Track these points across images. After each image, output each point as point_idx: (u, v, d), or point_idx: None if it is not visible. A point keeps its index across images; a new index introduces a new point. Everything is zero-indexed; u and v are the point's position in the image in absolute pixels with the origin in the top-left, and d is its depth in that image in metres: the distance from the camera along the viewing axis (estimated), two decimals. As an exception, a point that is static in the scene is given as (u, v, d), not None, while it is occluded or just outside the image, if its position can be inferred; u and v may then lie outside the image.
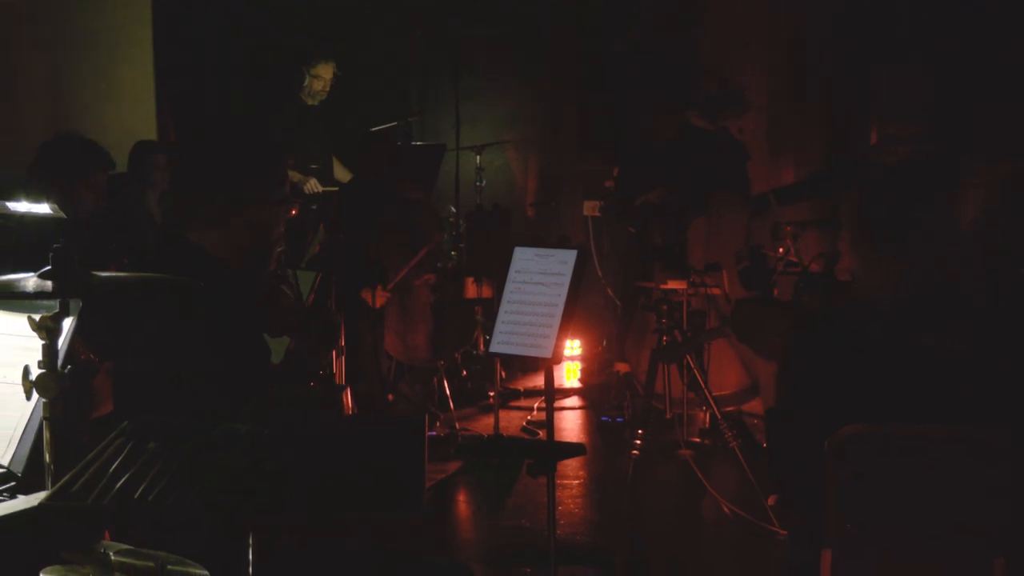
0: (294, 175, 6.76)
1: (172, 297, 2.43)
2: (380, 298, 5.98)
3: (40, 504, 1.94)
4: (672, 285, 5.99)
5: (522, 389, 7.27)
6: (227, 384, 2.51)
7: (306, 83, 7.11)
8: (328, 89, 7.16)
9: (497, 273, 3.43)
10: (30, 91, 6.20)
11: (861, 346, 2.48)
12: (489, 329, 3.14)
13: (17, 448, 2.16)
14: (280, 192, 2.75)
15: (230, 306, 2.62)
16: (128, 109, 6.98)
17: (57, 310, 2.06)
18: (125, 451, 1.86)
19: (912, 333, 2.44)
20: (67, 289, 2.07)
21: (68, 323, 2.12)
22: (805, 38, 7.10)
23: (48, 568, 1.83)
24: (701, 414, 6.07)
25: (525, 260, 3.31)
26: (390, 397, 6.34)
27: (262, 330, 2.86)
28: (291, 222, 5.69)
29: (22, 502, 2.03)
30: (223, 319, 2.58)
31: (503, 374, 6.99)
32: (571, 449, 4.41)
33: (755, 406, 6.34)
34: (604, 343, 7.38)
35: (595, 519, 5.12)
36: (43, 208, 2.91)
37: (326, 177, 7.09)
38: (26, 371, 2.05)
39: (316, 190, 6.87)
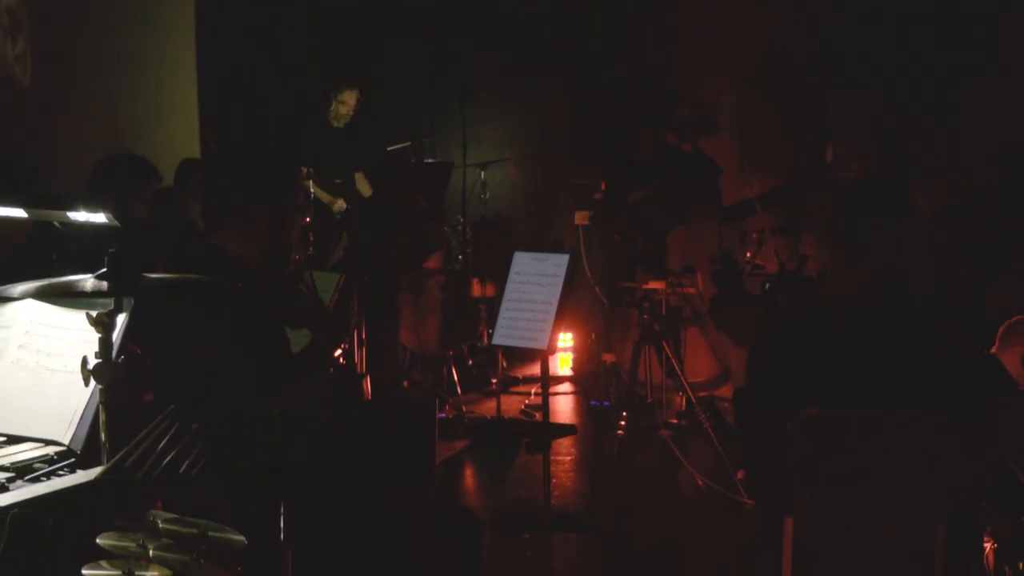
0: (323, 195, 6.75)
1: (208, 295, 2.43)
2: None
3: (96, 478, 1.93)
4: (652, 285, 5.99)
5: (521, 376, 7.26)
6: (252, 370, 2.50)
7: (332, 107, 7.09)
8: (352, 113, 7.14)
9: (499, 274, 3.42)
10: (89, 115, 6.19)
11: (823, 338, 2.48)
12: (492, 323, 3.14)
13: (76, 429, 2.16)
14: (294, 199, 2.76)
15: (253, 301, 2.61)
16: (174, 130, 6.98)
17: (112, 307, 2.06)
18: (171, 431, 1.86)
19: (868, 327, 2.43)
20: (120, 288, 2.07)
21: (121, 318, 2.12)
22: (770, 68, 7.09)
23: (104, 534, 1.83)
24: (678, 398, 6.07)
25: (524, 263, 3.31)
26: (405, 384, 6.33)
27: (282, 322, 2.86)
28: (318, 230, 5.71)
29: (80, 476, 2.02)
30: (247, 313, 2.58)
31: (504, 363, 6.98)
32: (564, 430, 4.39)
33: (725, 391, 6.33)
34: (593, 336, 7.37)
35: (585, 491, 5.11)
36: (99, 217, 2.89)
37: (349, 191, 7.08)
38: (84, 361, 2.05)
39: (343, 208, 6.87)
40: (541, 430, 3.42)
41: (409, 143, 7.61)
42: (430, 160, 7.95)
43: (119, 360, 2.05)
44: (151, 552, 1.79)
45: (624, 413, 5.79)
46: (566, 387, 7.16)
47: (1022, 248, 4.94)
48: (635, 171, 6.77)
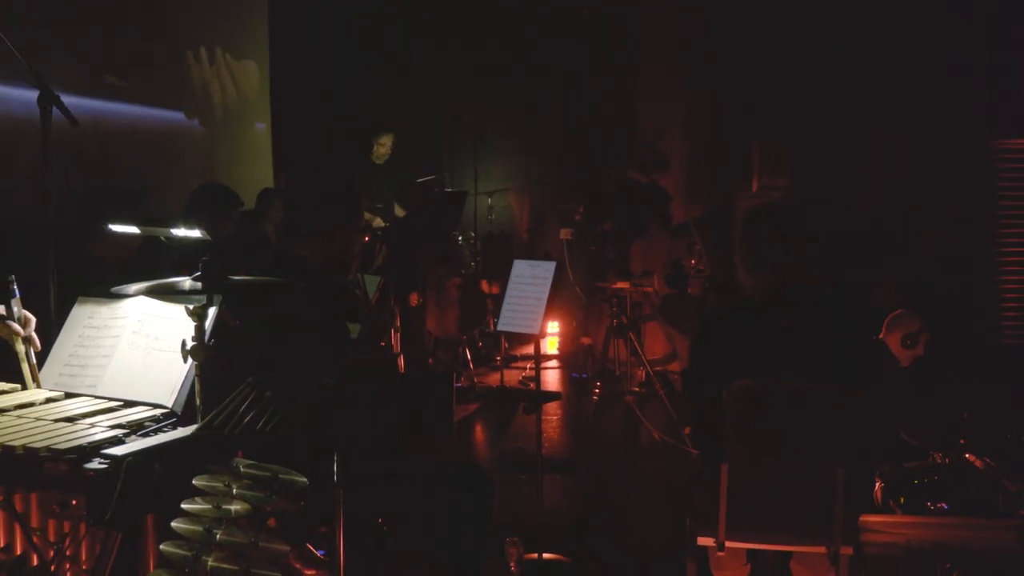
0: (368, 216, 6.74)
1: (282, 293, 2.44)
2: (415, 300, 5.98)
3: (193, 433, 1.93)
4: (619, 285, 5.98)
5: (519, 355, 7.25)
6: (320, 351, 2.51)
7: (374, 149, 7.11)
8: (389, 153, 7.17)
9: (502, 276, 3.41)
10: (187, 155, 6.20)
11: (746, 327, 2.47)
12: (497, 314, 3.15)
13: (177, 395, 2.16)
14: (358, 222, 2.78)
15: (324, 299, 2.62)
16: (254, 165, 6.98)
17: (204, 302, 2.06)
18: (250, 398, 1.85)
19: (778, 318, 2.43)
20: (211, 288, 2.07)
21: (212, 311, 2.11)
22: (710, 118, 7.08)
23: (198, 476, 1.82)
24: (639, 372, 6.05)
25: (521, 268, 3.30)
26: (430, 361, 6.32)
27: (344, 316, 2.86)
28: (363, 243, 5.69)
29: (180, 432, 2.02)
30: (319, 308, 2.58)
31: (506, 344, 6.96)
32: (552, 396, 4.41)
33: (676, 367, 6.32)
34: (574, 324, 7.35)
35: (568, 442, 5.10)
36: (195, 233, 2.89)
37: (388, 214, 7.09)
38: (183, 343, 2.04)
39: (382, 224, 6.87)
40: (534, 396, 3.41)
41: (434, 176, 7.61)
42: (449, 189, 7.94)
43: (210, 343, 2.05)
44: (235, 490, 1.79)
45: (598, 383, 5.78)
46: (553, 363, 7.14)
47: (896, 254, 4.95)
48: (605, 201, 6.75)
